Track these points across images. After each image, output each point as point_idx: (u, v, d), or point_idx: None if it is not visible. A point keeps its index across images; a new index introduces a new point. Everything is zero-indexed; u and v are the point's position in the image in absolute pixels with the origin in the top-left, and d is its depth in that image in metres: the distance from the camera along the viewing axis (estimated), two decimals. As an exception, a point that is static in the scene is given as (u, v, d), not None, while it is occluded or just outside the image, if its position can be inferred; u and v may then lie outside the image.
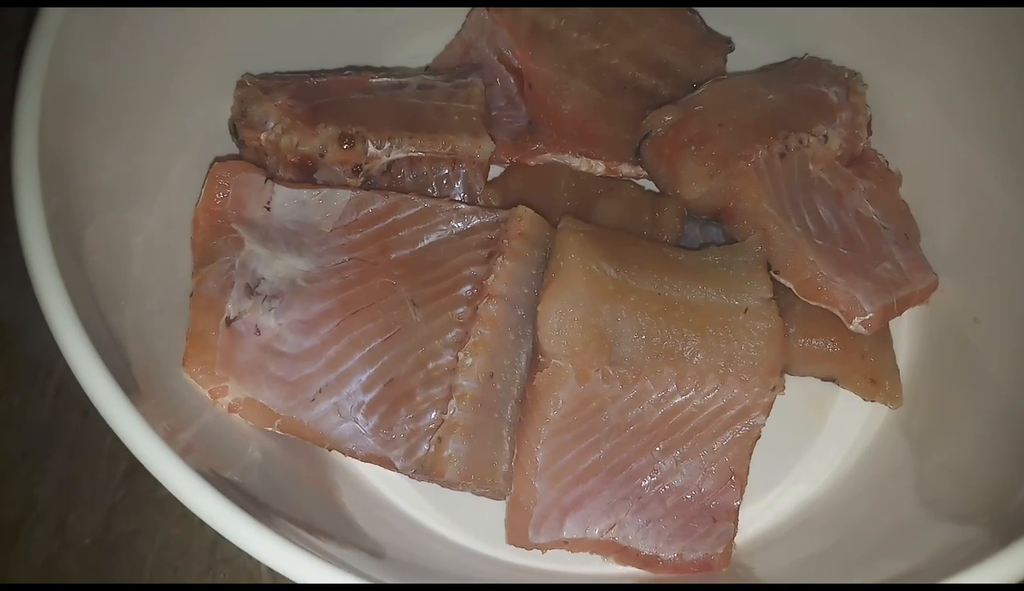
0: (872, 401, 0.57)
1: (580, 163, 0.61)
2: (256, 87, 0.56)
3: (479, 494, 0.50)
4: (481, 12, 0.61)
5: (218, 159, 0.55)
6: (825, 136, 0.58)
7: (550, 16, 0.61)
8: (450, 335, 0.50)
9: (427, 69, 0.65)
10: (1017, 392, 0.51)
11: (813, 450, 0.57)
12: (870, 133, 0.61)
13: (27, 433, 0.60)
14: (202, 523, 0.37)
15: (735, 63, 0.65)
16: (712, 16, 0.66)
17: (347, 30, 0.64)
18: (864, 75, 0.61)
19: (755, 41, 0.66)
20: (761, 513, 0.55)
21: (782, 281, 0.54)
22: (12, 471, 0.59)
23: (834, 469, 0.56)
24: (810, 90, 0.60)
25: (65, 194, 0.44)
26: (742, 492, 0.50)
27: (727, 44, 0.65)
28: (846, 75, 0.61)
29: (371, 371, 0.49)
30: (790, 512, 0.55)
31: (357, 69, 0.62)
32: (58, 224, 0.42)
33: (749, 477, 0.50)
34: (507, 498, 0.50)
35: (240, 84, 0.57)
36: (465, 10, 0.64)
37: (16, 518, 0.58)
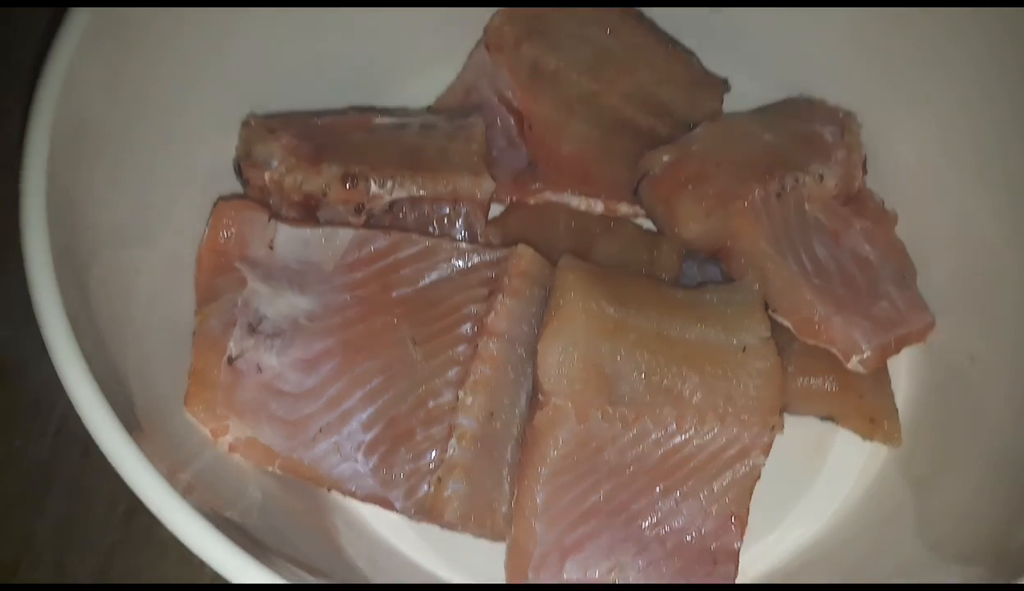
0: (871, 440, 0.57)
1: (579, 202, 0.62)
2: (261, 127, 0.57)
3: (478, 535, 0.50)
4: (481, 54, 0.63)
5: (222, 198, 0.56)
6: (821, 175, 0.58)
7: (550, 57, 0.62)
8: (450, 373, 0.50)
9: (429, 110, 0.66)
10: (1016, 431, 0.51)
11: (813, 491, 0.57)
12: (865, 172, 0.61)
13: (26, 472, 0.59)
14: (202, 564, 0.37)
15: (731, 103, 0.66)
16: (708, 57, 0.67)
17: (350, 71, 0.65)
18: (859, 114, 0.62)
19: (751, 81, 0.66)
20: (762, 555, 0.54)
21: (780, 320, 0.54)
22: (9, 511, 0.58)
23: (834, 510, 0.56)
24: (806, 130, 0.61)
25: (72, 232, 0.45)
26: (743, 533, 0.50)
27: (724, 85, 0.66)
28: (841, 115, 0.62)
29: (371, 410, 0.49)
30: (790, 554, 0.55)
31: (360, 109, 0.63)
32: (64, 262, 0.42)
33: (749, 518, 0.50)
34: (507, 540, 0.50)
35: (245, 124, 0.57)
36: (466, 50, 0.65)
37: (13, 559, 0.57)
